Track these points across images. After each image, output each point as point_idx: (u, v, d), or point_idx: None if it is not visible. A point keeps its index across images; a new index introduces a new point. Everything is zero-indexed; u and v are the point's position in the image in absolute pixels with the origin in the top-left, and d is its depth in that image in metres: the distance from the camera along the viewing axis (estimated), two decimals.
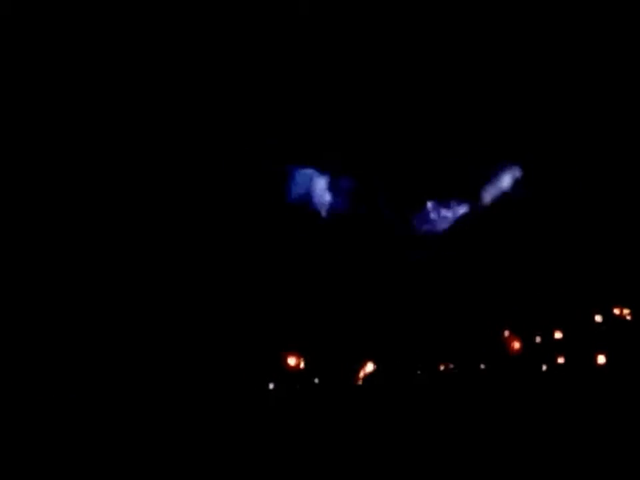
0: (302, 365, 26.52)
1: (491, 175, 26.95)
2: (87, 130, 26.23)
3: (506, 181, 26.96)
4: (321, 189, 26.54)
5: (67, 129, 26.19)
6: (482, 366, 26.29)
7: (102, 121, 26.33)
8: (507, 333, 26.57)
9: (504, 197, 27.05)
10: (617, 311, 26.53)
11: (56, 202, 26.03)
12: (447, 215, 26.97)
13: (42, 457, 22.52)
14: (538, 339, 26.52)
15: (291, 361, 26.53)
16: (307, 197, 26.69)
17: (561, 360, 26.25)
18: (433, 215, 26.99)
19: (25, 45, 25.93)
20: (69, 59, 26.04)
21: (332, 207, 26.81)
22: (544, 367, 26.25)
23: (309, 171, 26.62)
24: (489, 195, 26.99)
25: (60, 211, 25.95)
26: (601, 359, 25.96)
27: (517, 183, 27.02)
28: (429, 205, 26.97)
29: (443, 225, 26.97)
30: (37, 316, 25.43)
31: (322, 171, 26.63)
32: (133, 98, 26.34)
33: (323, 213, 26.93)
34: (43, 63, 25.96)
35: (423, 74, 26.71)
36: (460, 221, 27.07)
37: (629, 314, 26.46)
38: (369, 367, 26.56)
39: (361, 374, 26.53)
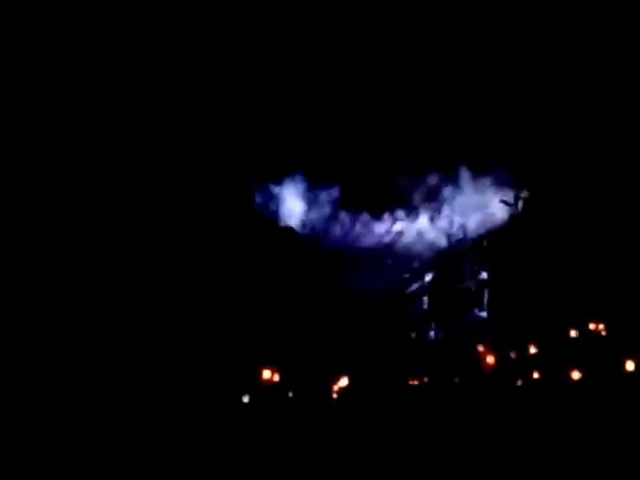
0: (276, 378, 26.49)
1: (472, 197, 27.06)
2: (86, 130, 26.38)
3: (488, 204, 27.05)
4: (300, 203, 26.66)
5: (66, 129, 26.33)
6: (456, 380, 26.23)
7: (101, 120, 26.49)
8: (481, 348, 26.51)
9: (484, 218, 27.11)
10: (592, 326, 26.46)
11: (53, 201, 26.19)
12: (422, 232, 27.04)
13: (42, 457, 22.57)
14: (513, 354, 26.47)
15: (266, 374, 26.49)
16: (282, 211, 26.83)
17: (535, 375, 26.16)
18: (407, 231, 27.07)
19: (25, 45, 26.12)
20: (69, 59, 26.20)
21: (309, 221, 26.90)
22: (519, 382, 26.17)
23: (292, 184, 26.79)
24: (463, 214, 27.07)
25: (57, 210, 26.14)
26: (576, 375, 25.86)
27: (497, 207, 27.11)
28: (409, 220, 27.05)
29: (419, 242, 27.03)
30: (35, 316, 25.56)
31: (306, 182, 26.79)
32: (133, 98, 26.49)
33: (300, 228, 27.02)
34: (43, 63, 26.12)
35: (422, 75, 26.82)
36: (440, 239, 27.15)
37: (603, 329, 26.40)
38: (344, 381, 26.51)
39: (336, 387, 26.48)
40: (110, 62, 26.64)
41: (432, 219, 26.44)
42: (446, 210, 26.47)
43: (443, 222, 26.40)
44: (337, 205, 26.51)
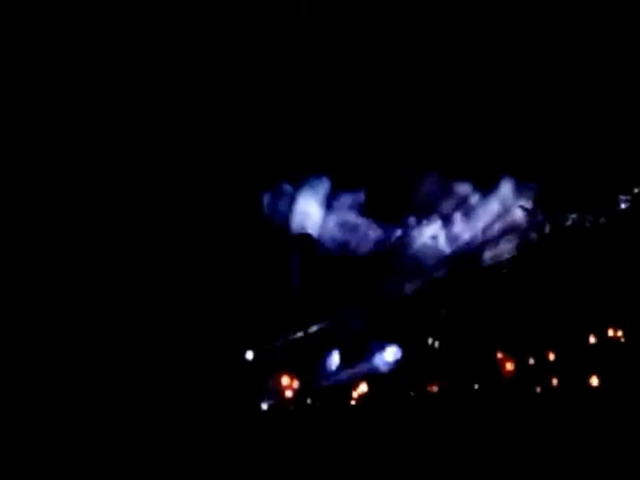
0: (295, 385, 26.50)
1: (481, 200, 27.05)
2: (85, 130, 26.39)
3: (495, 206, 27.03)
4: (310, 204, 26.68)
5: (65, 129, 26.34)
6: (475, 387, 26.22)
7: (100, 120, 26.50)
8: (500, 354, 26.50)
9: (497, 219, 27.09)
10: (611, 333, 26.44)
11: (53, 201, 26.20)
12: (441, 236, 27.02)
13: (42, 457, 22.60)
14: (531, 361, 26.45)
15: (285, 380, 26.51)
16: (292, 213, 26.82)
17: (554, 381, 26.15)
18: (426, 235, 27.04)
19: (25, 45, 26.14)
20: (69, 59, 26.22)
21: (326, 226, 26.90)
22: (537, 389, 26.15)
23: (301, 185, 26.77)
24: (480, 218, 27.05)
25: (57, 210, 26.15)
26: (594, 381, 25.85)
27: (506, 208, 27.08)
28: (420, 224, 27.04)
29: (435, 246, 27.01)
30: (34, 316, 25.56)
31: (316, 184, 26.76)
32: (132, 98, 26.50)
33: (317, 234, 27.01)
34: (43, 63, 26.14)
35: (422, 76, 26.81)
36: (455, 243, 27.12)
37: (622, 335, 26.38)
38: (363, 388, 26.51)
39: (355, 394, 26.49)
40: (110, 62, 26.63)
41: (451, 225, 26.42)
42: (465, 216, 26.44)
43: (462, 227, 26.38)
44: (357, 210, 26.47)
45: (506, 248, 26.98)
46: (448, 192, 26.87)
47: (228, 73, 26.97)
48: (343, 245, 26.68)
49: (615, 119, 26.86)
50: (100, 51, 26.52)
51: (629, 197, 26.74)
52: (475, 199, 26.96)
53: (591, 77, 26.87)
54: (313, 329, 26.74)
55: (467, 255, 26.99)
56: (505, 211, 26.92)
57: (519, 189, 26.92)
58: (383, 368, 26.11)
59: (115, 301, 26.23)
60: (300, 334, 26.74)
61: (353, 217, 26.73)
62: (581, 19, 26.64)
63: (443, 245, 26.94)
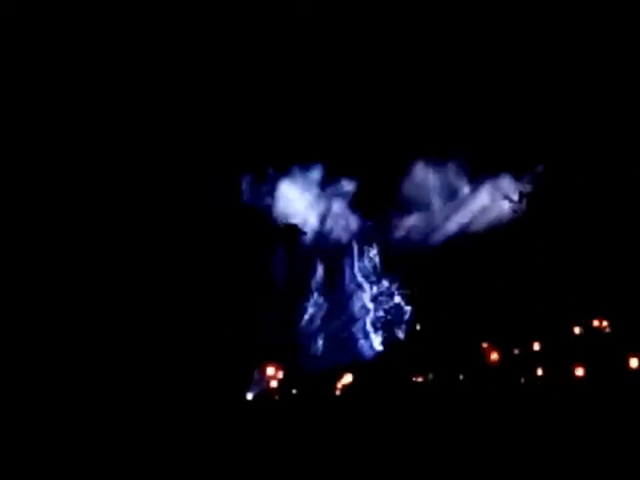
0: (280, 375, 26.53)
1: (471, 191, 27.16)
2: (85, 129, 26.63)
3: (483, 196, 27.13)
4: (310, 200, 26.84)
5: (65, 129, 26.57)
6: (460, 377, 26.17)
7: (99, 120, 26.75)
8: (485, 344, 26.48)
9: (484, 212, 27.16)
10: (596, 323, 26.40)
11: (53, 201, 26.41)
12: (426, 229, 27.11)
13: (42, 457, 22.62)
14: (516, 351, 26.41)
15: (270, 370, 26.54)
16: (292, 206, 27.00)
17: (539, 371, 26.08)
18: (415, 227, 27.14)
19: (25, 45, 26.42)
20: (69, 59, 26.48)
21: (314, 218, 27.05)
22: (522, 379, 26.10)
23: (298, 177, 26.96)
24: (467, 211, 27.12)
25: (57, 210, 26.36)
26: (579, 371, 25.78)
27: (494, 199, 27.18)
28: (411, 216, 27.16)
29: (422, 238, 27.10)
30: (33, 316, 25.69)
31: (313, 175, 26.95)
32: (132, 98, 26.74)
33: (304, 225, 27.15)
34: (42, 63, 26.40)
35: (421, 76, 26.97)
36: (439, 236, 27.20)
37: (607, 326, 26.33)
38: (347, 378, 26.50)
39: (339, 385, 26.48)
40: (110, 62, 26.88)
41: (437, 217, 26.49)
42: (452, 207, 26.54)
43: (449, 219, 26.46)
44: (345, 201, 26.58)
45: (491, 238, 27.02)
46: (434, 182, 27.01)
47: (221, 67, 27.23)
48: (328, 235, 26.81)
49: (609, 116, 26.99)
50: (100, 51, 26.84)
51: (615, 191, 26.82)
52: (462, 188, 27.09)
53: (585, 73, 27.02)
54: (301, 318, 26.81)
55: (453, 244, 27.06)
56: (492, 201, 27.01)
57: (508, 180, 27.05)
58: (367, 355, 26.15)
59: (102, 293, 26.36)
60: (287, 324, 26.79)
61: (340, 207, 26.89)
62: (578, 15, 26.89)
63: (429, 234, 27.02)
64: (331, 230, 26.51)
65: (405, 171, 26.58)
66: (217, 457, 23.93)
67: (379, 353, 26.04)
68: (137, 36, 26.61)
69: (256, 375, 26.18)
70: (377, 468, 23.58)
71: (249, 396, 25.96)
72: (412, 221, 26.76)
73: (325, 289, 26.64)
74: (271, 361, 26.26)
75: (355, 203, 26.71)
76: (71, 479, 22.28)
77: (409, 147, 26.75)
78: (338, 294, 26.53)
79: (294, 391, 26.20)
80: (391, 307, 26.93)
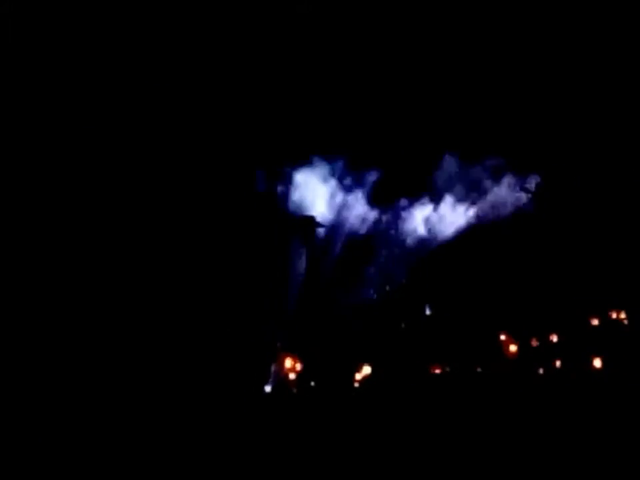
0: (299, 367, 26.55)
1: (486, 182, 27.12)
2: (85, 129, 26.49)
3: (500, 187, 27.09)
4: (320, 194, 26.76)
5: (66, 129, 26.43)
6: (478, 369, 26.25)
7: (99, 121, 26.60)
8: (503, 337, 26.54)
9: (499, 203, 27.15)
10: (614, 315, 26.47)
11: (53, 201, 26.29)
12: (443, 220, 27.08)
13: (42, 456, 22.61)
14: (534, 343, 26.47)
15: (288, 363, 26.56)
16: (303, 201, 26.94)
17: (557, 363, 26.17)
18: (429, 220, 27.11)
19: (25, 45, 26.23)
20: (69, 59, 26.31)
21: (332, 210, 26.99)
22: (540, 370, 26.19)
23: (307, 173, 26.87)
24: (484, 202, 27.10)
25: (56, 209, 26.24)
26: (597, 363, 25.87)
27: (510, 190, 27.15)
28: (424, 209, 27.12)
29: (438, 230, 27.06)
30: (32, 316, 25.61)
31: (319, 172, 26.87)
32: (132, 98, 26.59)
33: (322, 218, 27.12)
34: (42, 63, 26.22)
35: (421, 76, 26.90)
36: (455, 227, 27.17)
37: (625, 318, 26.41)
38: (366, 370, 26.55)
39: (358, 377, 26.52)
40: (109, 62, 26.74)
41: (453, 207, 26.47)
42: (469, 197, 26.50)
43: (465, 209, 26.43)
44: (365, 193, 26.54)
45: (507, 231, 27.03)
46: (448, 175, 27.00)
47: (227, 66, 27.13)
48: (344, 228, 26.80)
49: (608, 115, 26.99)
50: (99, 50, 26.69)
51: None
52: (476, 181, 27.07)
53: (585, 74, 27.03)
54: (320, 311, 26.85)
55: (470, 235, 27.07)
56: (508, 193, 27.00)
57: (521, 173, 27.04)
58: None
59: (112, 292, 26.33)
60: (305, 317, 26.80)
61: (358, 199, 26.88)
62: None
63: (443, 227, 27.03)
64: (349, 223, 26.44)
65: (425, 163, 26.47)
66: (235, 451, 24.01)
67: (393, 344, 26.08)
68: (139, 35, 26.43)
69: (274, 368, 26.19)
70: (395, 460, 23.68)
71: (267, 389, 25.97)
72: (430, 212, 26.68)
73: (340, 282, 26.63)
74: (289, 353, 26.27)
75: (374, 195, 26.65)
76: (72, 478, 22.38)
77: (429, 140, 26.68)
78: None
79: (312, 384, 26.22)
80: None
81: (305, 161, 26.72)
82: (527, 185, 26.84)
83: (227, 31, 26.63)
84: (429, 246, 27.03)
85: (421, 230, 27.02)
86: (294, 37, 26.50)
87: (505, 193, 26.93)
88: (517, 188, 26.83)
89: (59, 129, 26.29)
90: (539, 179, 26.97)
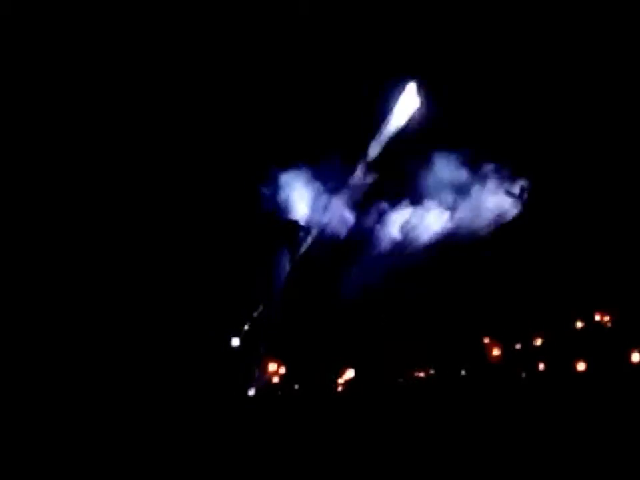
0: (282, 371, 26.56)
1: (469, 186, 27.09)
2: (83, 130, 26.60)
3: (484, 190, 27.05)
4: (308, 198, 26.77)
5: (66, 129, 26.54)
6: (462, 372, 26.20)
7: (99, 121, 26.71)
8: (486, 340, 26.49)
9: (482, 206, 27.10)
10: (598, 317, 26.40)
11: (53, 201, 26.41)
12: (425, 224, 27.04)
13: (41, 456, 22.70)
14: (518, 346, 26.43)
15: (271, 366, 26.56)
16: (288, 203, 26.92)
17: (541, 366, 26.11)
18: (412, 223, 27.06)
19: (25, 45, 26.35)
20: (69, 59, 26.41)
21: (314, 214, 26.99)
22: (524, 374, 26.13)
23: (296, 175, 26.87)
24: (468, 205, 27.06)
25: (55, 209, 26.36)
26: (581, 366, 25.79)
27: (494, 193, 27.11)
28: (407, 212, 27.08)
29: (421, 233, 27.03)
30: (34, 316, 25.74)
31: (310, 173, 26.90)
32: (131, 98, 26.68)
33: (304, 221, 27.09)
34: (42, 63, 26.33)
35: (420, 76, 26.91)
36: (440, 229, 27.13)
37: (609, 320, 26.33)
38: (350, 374, 26.54)
39: (341, 380, 26.51)
40: (109, 61, 26.81)
41: (436, 210, 26.44)
42: (453, 200, 26.49)
43: (449, 213, 26.41)
44: (344, 197, 26.52)
45: (490, 234, 26.98)
46: (432, 179, 26.98)
47: (221, 65, 27.18)
48: (328, 232, 26.82)
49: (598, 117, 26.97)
50: (99, 51, 26.78)
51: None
52: (459, 185, 27.03)
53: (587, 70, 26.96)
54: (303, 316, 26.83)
55: (451, 240, 27.02)
56: (490, 197, 26.96)
57: (504, 175, 26.99)
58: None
59: (99, 290, 26.39)
60: (287, 320, 26.79)
61: (340, 203, 26.88)
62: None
63: (428, 231, 27.00)
64: (332, 226, 26.43)
65: (410, 164, 26.46)
66: (219, 454, 24.00)
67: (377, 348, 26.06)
68: (137, 36, 26.49)
69: (257, 372, 26.19)
70: (379, 464, 23.64)
71: (251, 392, 25.97)
72: (413, 215, 26.65)
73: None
74: (273, 357, 26.27)
75: (358, 199, 26.64)
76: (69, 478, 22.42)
77: (414, 141, 26.68)
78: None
79: (296, 387, 26.22)
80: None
81: (290, 164, 26.71)
82: (511, 189, 26.78)
83: (227, 30, 26.65)
84: (412, 249, 26.98)
85: (404, 233, 26.96)
86: (294, 37, 26.51)
87: (488, 196, 26.86)
88: (501, 191, 26.76)
89: (57, 129, 26.35)
90: (523, 183, 26.89)
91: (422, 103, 26.88)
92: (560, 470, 22.26)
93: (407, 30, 27.14)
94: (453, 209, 27.07)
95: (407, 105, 27.13)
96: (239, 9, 26.89)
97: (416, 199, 27.07)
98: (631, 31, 26.47)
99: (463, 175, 26.91)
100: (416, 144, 26.67)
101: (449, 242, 27.01)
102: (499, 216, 27.00)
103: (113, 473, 22.32)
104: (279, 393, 26.01)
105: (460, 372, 25.92)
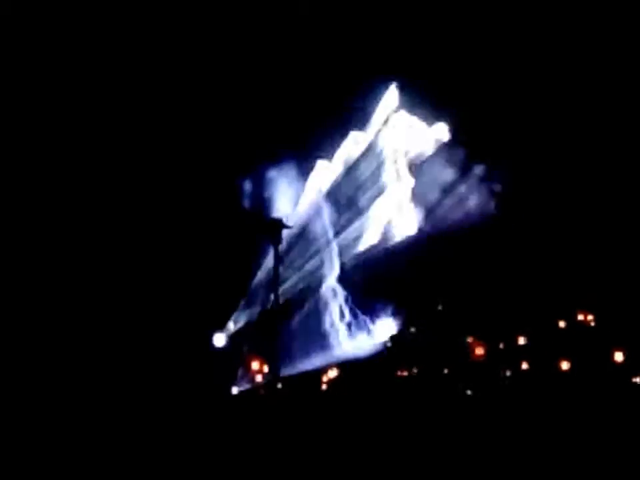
0: (265, 369, 26.48)
1: (451, 185, 27.10)
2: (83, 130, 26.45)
3: (466, 190, 27.07)
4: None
5: (66, 129, 26.38)
6: (445, 371, 26.24)
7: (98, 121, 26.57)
8: (470, 339, 26.52)
9: (469, 206, 27.10)
10: (580, 317, 26.50)
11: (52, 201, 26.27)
12: (406, 222, 27.03)
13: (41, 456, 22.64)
14: (501, 345, 26.49)
15: (255, 365, 26.48)
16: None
17: (524, 365, 26.19)
18: (393, 222, 27.06)
19: (25, 45, 26.13)
20: (69, 59, 26.21)
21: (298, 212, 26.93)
22: (508, 372, 26.20)
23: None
24: (449, 204, 27.05)
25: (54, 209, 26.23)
26: (565, 365, 25.91)
27: (480, 194, 27.12)
28: (389, 212, 27.07)
29: (402, 232, 27.04)
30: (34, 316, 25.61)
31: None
32: (131, 98, 26.52)
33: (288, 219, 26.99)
34: (43, 63, 26.13)
35: (420, 76, 26.87)
36: (424, 230, 27.13)
37: (592, 320, 26.44)
38: (333, 373, 26.50)
39: (325, 379, 26.48)
40: (109, 62, 26.64)
41: (419, 212, 26.41)
42: (434, 199, 26.45)
43: (429, 214, 26.37)
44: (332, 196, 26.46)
45: (473, 234, 26.98)
46: (414, 179, 26.98)
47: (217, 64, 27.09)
48: (311, 230, 26.77)
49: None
50: (99, 50, 26.60)
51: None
52: (442, 185, 27.04)
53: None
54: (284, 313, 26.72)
55: (436, 240, 27.01)
56: (476, 197, 26.96)
57: (488, 174, 26.99)
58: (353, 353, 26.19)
59: (83, 286, 26.25)
60: (271, 319, 26.68)
61: (320, 201, 26.85)
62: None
63: (410, 230, 27.01)
64: (316, 225, 26.35)
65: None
66: (203, 452, 23.91)
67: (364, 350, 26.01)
68: (137, 36, 26.29)
69: (240, 370, 26.09)
70: (362, 461, 23.61)
71: (234, 391, 25.87)
72: (394, 214, 26.61)
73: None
74: (256, 355, 26.16)
75: (334, 197, 26.58)
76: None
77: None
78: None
79: (279, 386, 26.09)
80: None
81: (274, 163, 26.58)
82: (493, 187, 26.76)
83: (226, 30, 26.46)
84: (395, 248, 26.95)
85: (387, 232, 26.93)
86: (293, 37, 26.37)
87: (471, 197, 26.84)
88: (483, 191, 26.75)
89: (53, 128, 26.15)
90: (499, 185, 26.88)
91: (401, 104, 26.90)
92: (545, 466, 22.35)
93: (387, 31, 27.10)
94: (436, 208, 27.03)
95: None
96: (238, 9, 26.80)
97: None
98: (611, 33, 26.55)
99: (446, 174, 26.89)
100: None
101: (433, 241, 26.99)
102: (482, 216, 26.97)
103: (95, 470, 22.28)
104: (262, 391, 25.89)
105: (443, 371, 25.93)
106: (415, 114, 27.20)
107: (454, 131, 27.02)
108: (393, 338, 26.69)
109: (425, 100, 26.96)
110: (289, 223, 26.32)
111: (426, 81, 26.61)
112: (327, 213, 26.93)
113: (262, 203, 26.87)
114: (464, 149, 26.71)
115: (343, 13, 26.83)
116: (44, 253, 26.26)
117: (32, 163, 26.29)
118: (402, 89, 26.85)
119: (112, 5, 26.39)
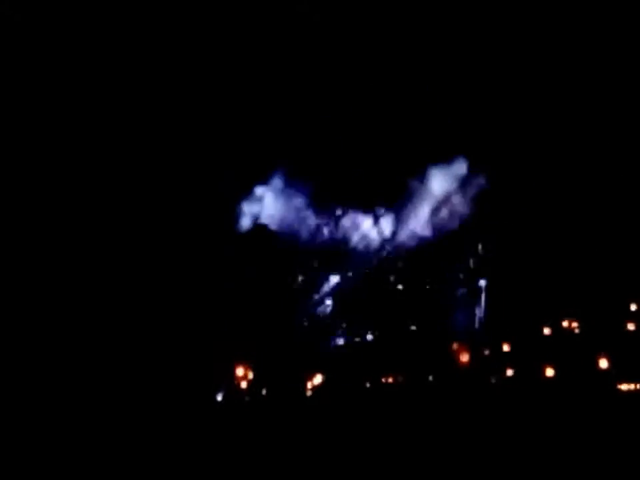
0: (250, 376, 26.44)
1: (441, 190, 27.07)
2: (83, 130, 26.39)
3: (454, 197, 27.07)
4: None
5: (65, 129, 26.31)
6: (430, 378, 26.24)
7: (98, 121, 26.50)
8: (455, 346, 26.53)
9: (455, 212, 27.12)
10: (565, 324, 26.55)
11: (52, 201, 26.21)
12: (399, 229, 27.02)
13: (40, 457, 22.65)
14: (486, 352, 26.50)
15: (239, 371, 26.44)
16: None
17: (509, 372, 26.23)
18: (384, 228, 27.03)
19: (25, 45, 26.05)
20: (69, 59, 26.15)
21: (284, 220, 26.89)
22: (492, 379, 26.23)
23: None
24: (441, 210, 27.06)
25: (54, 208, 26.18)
26: (549, 372, 25.95)
27: (466, 206, 27.13)
28: (379, 217, 27.03)
29: (394, 239, 27.01)
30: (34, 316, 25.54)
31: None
32: (131, 99, 26.45)
33: (276, 227, 26.99)
34: (43, 63, 26.06)
35: (420, 76, 26.85)
36: (411, 235, 27.12)
37: (577, 327, 26.49)
38: (317, 379, 26.48)
39: (310, 385, 26.45)
40: (109, 62, 26.58)
41: (408, 218, 26.38)
42: (421, 208, 26.42)
43: (418, 221, 26.35)
44: (312, 203, 26.39)
45: (459, 241, 27.02)
46: (402, 184, 26.94)
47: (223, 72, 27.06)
48: (296, 234, 26.71)
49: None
50: (99, 50, 26.53)
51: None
52: (429, 193, 27.03)
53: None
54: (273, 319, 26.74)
55: (420, 245, 27.02)
56: (462, 208, 26.99)
57: (473, 186, 27.01)
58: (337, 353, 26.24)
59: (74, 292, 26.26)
60: (257, 325, 26.69)
61: (304, 208, 26.78)
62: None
63: (399, 236, 26.99)
64: (303, 232, 26.32)
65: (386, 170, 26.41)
66: (188, 458, 23.93)
67: (346, 353, 26.01)
68: (136, 36, 26.22)
69: (225, 376, 26.08)
70: (348, 467, 23.66)
71: (219, 397, 25.84)
72: (386, 221, 26.60)
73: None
74: (241, 361, 26.14)
75: (329, 205, 26.55)
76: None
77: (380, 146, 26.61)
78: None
79: (264, 392, 26.11)
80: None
81: (262, 170, 26.57)
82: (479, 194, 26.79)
83: (226, 30, 26.41)
84: (385, 254, 26.95)
85: (377, 239, 26.90)
86: (294, 37, 26.33)
87: (460, 203, 26.85)
88: (470, 199, 26.76)
89: (52, 129, 26.09)
90: (487, 191, 26.91)
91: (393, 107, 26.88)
92: (530, 472, 22.44)
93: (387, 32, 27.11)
94: (427, 214, 27.03)
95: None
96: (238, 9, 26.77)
97: (390, 205, 27.04)
98: (611, 33, 26.60)
99: (437, 181, 26.90)
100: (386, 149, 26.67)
101: (421, 248, 27.00)
102: (472, 221, 26.99)
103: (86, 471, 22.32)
104: (247, 397, 25.88)
105: (428, 377, 25.94)
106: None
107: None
108: (376, 343, 26.71)
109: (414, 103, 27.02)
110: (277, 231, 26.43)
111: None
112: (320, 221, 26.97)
113: (248, 211, 26.90)
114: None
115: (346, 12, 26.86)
116: (43, 260, 26.22)
117: (32, 163, 26.22)
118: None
119: (112, 5, 26.33)
